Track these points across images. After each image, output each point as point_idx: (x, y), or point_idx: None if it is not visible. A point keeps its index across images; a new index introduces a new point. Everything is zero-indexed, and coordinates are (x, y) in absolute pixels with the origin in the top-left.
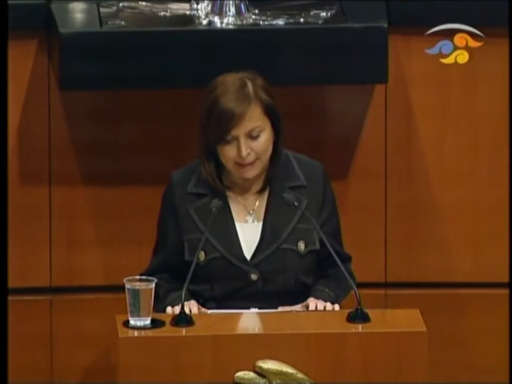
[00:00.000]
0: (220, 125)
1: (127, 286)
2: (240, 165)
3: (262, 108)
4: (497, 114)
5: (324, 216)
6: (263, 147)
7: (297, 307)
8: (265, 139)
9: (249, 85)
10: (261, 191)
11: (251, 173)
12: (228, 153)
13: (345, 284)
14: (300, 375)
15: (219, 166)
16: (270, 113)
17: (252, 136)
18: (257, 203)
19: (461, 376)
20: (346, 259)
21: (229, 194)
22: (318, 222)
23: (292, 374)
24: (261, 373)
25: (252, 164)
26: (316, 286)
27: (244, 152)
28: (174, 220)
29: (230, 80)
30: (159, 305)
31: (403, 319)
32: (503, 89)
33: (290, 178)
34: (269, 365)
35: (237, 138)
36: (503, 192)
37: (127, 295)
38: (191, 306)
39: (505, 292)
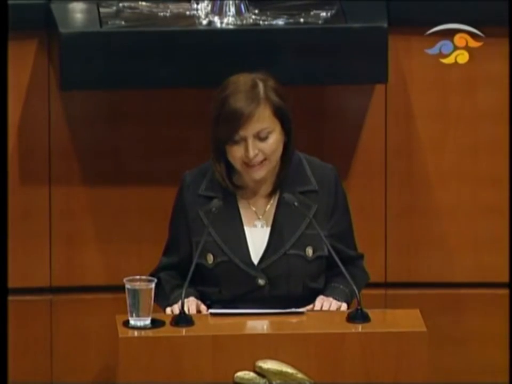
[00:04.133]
0: (228, 125)
1: (127, 286)
2: (248, 165)
3: (271, 109)
4: (497, 114)
5: (334, 219)
6: (272, 148)
7: (306, 308)
8: (274, 141)
9: (260, 85)
10: (271, 194)
11: (259, 173)
12: (236, 153)
13: (358, 279)
14: (300, 375)
15: (229, 167)
16: (280, 114)
17: (260, 138)
18: (267, 208)
19: (460, 376)
20: (357, 258)
21: (239, 197)
22: (328, 225)
23: (292, 374)
24: (261, 373)
25: (260, 164)
26: (330, 283)
27: (251, 153)
28: (184, 221)
29: (242, 80)
30: (164, 301)
31: (403, 319)
32: (503, 89)
33: (302, 183)
34: (269, 365)
35: (245, 139)
36: (503, 192)
37: (127, 295)
38: (190, 305)
39: (505, 291)
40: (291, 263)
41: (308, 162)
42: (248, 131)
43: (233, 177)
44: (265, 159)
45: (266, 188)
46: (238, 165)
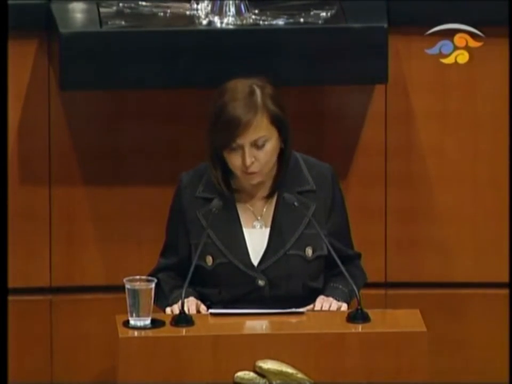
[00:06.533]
0: (226, 132)
1: (127, 286)
2: (246, 172)
3: (268, 118)
4: (498, 114)
5: (333, 218)
6: (268, 157)
7: (306, 309)
8: (270, 149)
9: (258, 93)
10: (268, 196)
11: (256, 179)
12: (233, 160)
13: (357, 279)
14: (300, 375)
15: (227, 170)
16: (277, 122)
17: (257, 146)
18: (265, 208)
19: (460, 376)
20: (355, 257)
21: (237, 199)
22: (326, 225)
23: (292, 374)
24: (261, 373)
25: (257, 173)
26: (330, 284)
27: (248, 161)
28: (182, 223)
29: (239, 87)
30: (163, 301)
31: (403, 319)
32: (503, 89)
33: (299, 183)
34: (269, 365)
35: (242, 147)
36: (504, 191)
37: (127, 295)
38: (190, 305)
39: (505, 291)
40: (291, 264)
41: (305, 162)
42: (246, 139)
43: (231, 181)
44: (261, 169)
45: (264, 191)
46: (236, 171)
